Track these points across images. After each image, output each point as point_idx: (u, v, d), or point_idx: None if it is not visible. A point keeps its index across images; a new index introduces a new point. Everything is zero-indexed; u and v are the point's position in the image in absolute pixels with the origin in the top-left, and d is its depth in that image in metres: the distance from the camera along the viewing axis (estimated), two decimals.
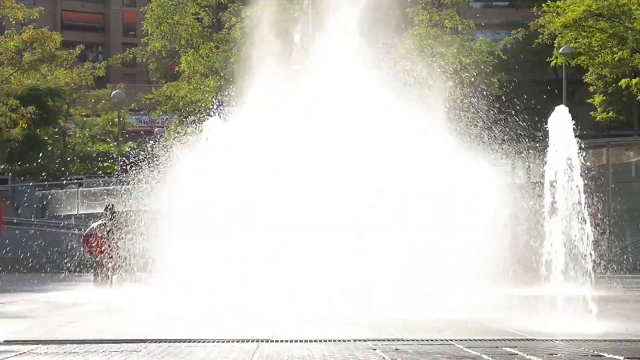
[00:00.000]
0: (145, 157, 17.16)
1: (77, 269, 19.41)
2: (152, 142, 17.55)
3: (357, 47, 17.18)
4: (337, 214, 15.23)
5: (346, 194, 15.49)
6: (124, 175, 18.65)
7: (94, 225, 18.43)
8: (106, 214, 17.75)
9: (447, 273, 14.80)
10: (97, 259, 17.55)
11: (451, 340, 7.87)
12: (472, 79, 29.30)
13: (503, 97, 20.51)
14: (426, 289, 13.66)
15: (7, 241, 26.63)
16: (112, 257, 16.80)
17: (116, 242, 16.69)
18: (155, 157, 16.98)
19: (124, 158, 36.61)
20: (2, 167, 47.98)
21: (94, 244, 17.56)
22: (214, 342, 7.77)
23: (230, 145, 16.25)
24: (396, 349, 7.27)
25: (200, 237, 15.38)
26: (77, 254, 19.85)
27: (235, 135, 16.49)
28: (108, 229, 17.08)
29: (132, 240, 16.42)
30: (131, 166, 17.87)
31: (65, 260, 22.61)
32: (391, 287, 13.68)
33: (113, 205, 17.98)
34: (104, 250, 16.97)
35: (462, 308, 11.52)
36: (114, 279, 17.11)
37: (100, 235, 17.45)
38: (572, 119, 9.98)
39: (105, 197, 33.34)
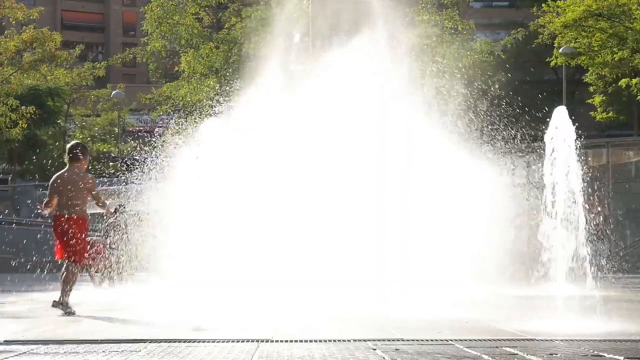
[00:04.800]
0: (145, 157, 17.15)
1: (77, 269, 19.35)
2: (151, 142, 17.54)
3: (358, 46, 17.21)
4: (336, 214, 15.25)
5: (346, 193, 15.50)
6: (125, 175, 18.60)
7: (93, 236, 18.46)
8: (116, 214, 17.65)
9: (448, 272, 14.82)
10: (94, 260, 17.51)
11: (451, 340, 7.87)
12: (472, 79, 29.28)
13: (503, 97, 20.49)
14: (425, 288, 13.68)
15: (7, 241, 26.63)
16: (110, 257, 16.76)
17: (117, 243, 16.66)
18: (155, 157, 16.99)
19: (125, 158, 36.56)
20: (2, 167, 47.96)
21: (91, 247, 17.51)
22: (214, 342, 7.76)
23: (232, 144, 16.28)
24: (396, 349, 7.26)
25: (200, 236, 15.40)
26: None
27: (236, 134, 16.52)
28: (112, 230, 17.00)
29: (133, 240, 16.41)
30: (131, 166, 17.83)
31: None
32: (390, 286, 13.70)
33: (123, 206, 17.91)
34: (101, 251, 16.91)
35: (462, 307, 11.52)
36: (113, 279, 17.09)
37: (96, 238, 17.42)
38: (572, 119, 10.00)
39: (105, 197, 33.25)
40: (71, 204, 11.29)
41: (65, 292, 11.16)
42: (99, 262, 16.76)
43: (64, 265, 11.43)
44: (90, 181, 11.54)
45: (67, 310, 10.99)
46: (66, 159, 11.68)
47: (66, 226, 11.23)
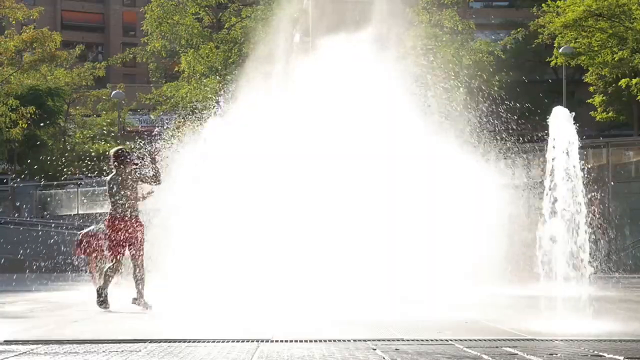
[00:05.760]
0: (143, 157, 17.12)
1: (77, 269, 19.41)
2: (151, 141, 17.53)
3: (358, 46, 17.19)
4: (334, 214, 15.25)
5: (343, 193, 15.49)
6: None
7: (90, 228, 18.46)
8: None
9: (445, 272, 14.82)
10: (92, 259, 17.49)
11: (451, 340, 7.87)
12: (472, 79, 29.30)
13: (503, 97, 20.51)
14: (424, 288, 13.68)
15: (7, 241, 26.63)
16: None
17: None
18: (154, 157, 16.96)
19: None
20: (2, 167, 47.91)
21: (88, 245, 17.57)
22: (214, 342, 7.77)
23: (232, 144, 16.27)
24: (396, 349, 7.27)
25: (201, 237, 15.40)
26: (75, 256, 19.81)
27: (236, 134, 16.51)
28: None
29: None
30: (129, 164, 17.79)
31: (65, 260, 22.58)
32: (390, 287, 13.69)
33: None
34: (98, 250, 16.90)
35: (461, 308, 11.52)
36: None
37: (93, 235, 17.44)
38: (572, 119, 9.99)
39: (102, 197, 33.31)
40: (123, 205, 11.74)
41: (139, 287, 11.79)
42: (100, 260, 16.76)
43: (132, 265, 11.90)
44: (135, 179, 11.95)
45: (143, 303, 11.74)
46: (112, 165, 11.90)
47: (121, 227, 11.67)
